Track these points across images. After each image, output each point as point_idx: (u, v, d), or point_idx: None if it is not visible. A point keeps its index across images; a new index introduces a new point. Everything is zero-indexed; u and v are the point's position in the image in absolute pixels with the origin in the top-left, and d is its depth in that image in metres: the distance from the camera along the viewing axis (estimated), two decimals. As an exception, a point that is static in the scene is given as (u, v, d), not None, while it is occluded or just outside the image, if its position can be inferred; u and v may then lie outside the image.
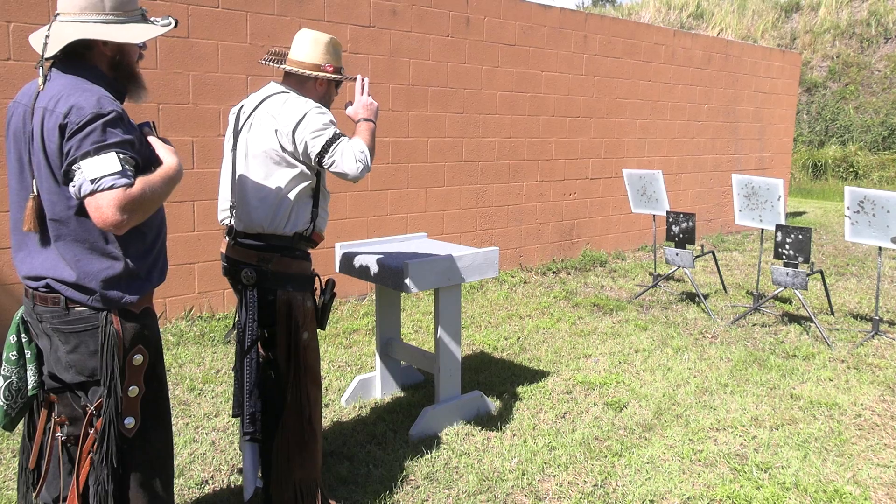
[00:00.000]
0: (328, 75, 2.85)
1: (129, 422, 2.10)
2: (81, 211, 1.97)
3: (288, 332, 2.79)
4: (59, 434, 2.18)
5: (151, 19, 2.16)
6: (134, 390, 2.10)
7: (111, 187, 1.87)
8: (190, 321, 5.38)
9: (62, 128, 1.89)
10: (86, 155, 1.87)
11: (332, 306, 3.03)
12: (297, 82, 2.88)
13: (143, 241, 2.11)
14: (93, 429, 2.10)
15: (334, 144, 2.66)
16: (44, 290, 2.04)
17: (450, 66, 6.79)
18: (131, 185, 1.91)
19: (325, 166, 2.69)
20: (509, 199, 7.53)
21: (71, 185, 1.90)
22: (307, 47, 2.85)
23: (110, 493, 2.09)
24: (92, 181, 1.86)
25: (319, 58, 2.85)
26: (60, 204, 1.97)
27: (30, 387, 2.16)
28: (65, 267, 2.01)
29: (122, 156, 1.91)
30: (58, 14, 2.02)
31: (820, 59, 19.40)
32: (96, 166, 1.87)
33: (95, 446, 2.09)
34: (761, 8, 21.64)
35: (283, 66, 2.85)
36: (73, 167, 1.89)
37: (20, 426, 2.32)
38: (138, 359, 2.11)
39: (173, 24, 2.16)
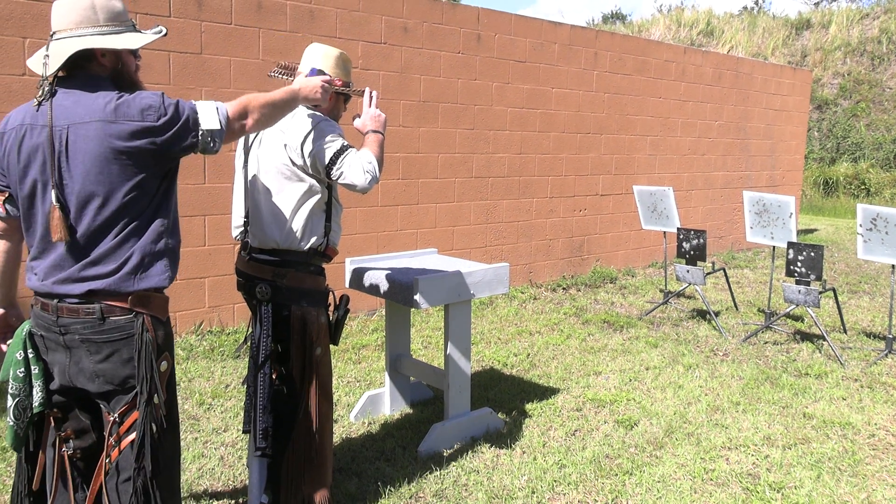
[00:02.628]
0: (337, 89, 2.86)
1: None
2: (134, 189, 2.05)
3: (302, 348, 2.79)
4: (64, 449, 2.18)
5: (143, 31, 2.23)
6: (160, 395, 2.15)
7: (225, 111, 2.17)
8: (200, 335, 5.39)
9: (147, 130, 2.01)
10: (195, 109, 2.12)
11: (345, 322, 3.04)
12: None
13: (171, 219, 2.19)
14: (112, 437, 2.10)
15: (342, 156, 2.67)
16: (75, 301, 2.05)
17: (461, 82, 6.82)
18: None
19: (334, 178, 2.69)
20: (519, 215, 7.53)
21: (204, 143, 2.13)
22: (317, 61, 2.87)
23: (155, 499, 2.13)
24: (224, 121, 2.15)
25: (329, 71, 2.86)
26: (117, 193, 2.03)
27: (35, 403, 2.14)
28: (98, 276, 2.04)
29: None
30: (54, 33, 2.07)
31: (831, 76, 19.38)
32: (207, 109, 2.13)
33: (113, 454, 2.11)
34: (771, 25, 21.67)
35: (292, 80, 2.87)
36: (196, 134, 2.10)
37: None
38: (164, 365, 2.16)
39: (164, 31, 2.25)
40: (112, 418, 2.10)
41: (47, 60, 2.02)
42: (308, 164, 2.71)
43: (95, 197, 2.01)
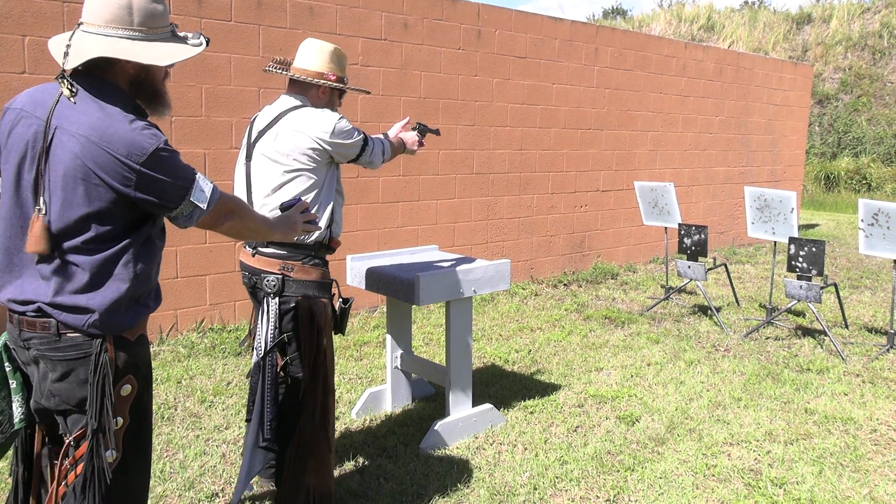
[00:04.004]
0: (330, 84, 2.91)
1: (110, 454, 1.95)
2: (93, 219, 1.85)
3: (310, 339, 2.82)
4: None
5: (183, 34, 2.01)
6: (118, 421, 1.95)
7: (220, 198, 2.01)
8: (201, 333, 5.40)
9: (123, 164, 1.80)
10: (188, 191, 1.92)
11: (350, 312, 3.14)
12: (300, 90, 2.94)
13: (150, 262, 1.99)
14: (68, 459, 1.94)
15: (367, 147, 2.98)
16: (32, 314, 1.88)
17: (461, 78, 6.81)
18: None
19: (360, 162, 3.01)
20: (520, 212, 7.52)
21: (183, 218, 1.95)
22: (311, 55, 2.91)
23: None
24: (207, 206, 1.96)
25: (323, 66, 2.90)
26: (76, 225, 1.85)
27: (16, 420, 1.98)
28: (61, 290, 1.86)
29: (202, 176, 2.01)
30: (81, 23, 1.87)
31: (832, 70, 19.34)
32: (200, 194, 1.95)
33: (69, 477, 1.94)
34: (772, 20, 21.62)
35: (286, 73, 2.90)
36: (181, 204, 1.91)
37: (9, 456, 2.20)
38: (127, 389, 1.96)
39: (205, 44, 2.04)
40: (68, 441, 1.93)
41: (69, 51, 1.82)
42: (332, 152, 2.84)
43: (57, 211, 1.84)
